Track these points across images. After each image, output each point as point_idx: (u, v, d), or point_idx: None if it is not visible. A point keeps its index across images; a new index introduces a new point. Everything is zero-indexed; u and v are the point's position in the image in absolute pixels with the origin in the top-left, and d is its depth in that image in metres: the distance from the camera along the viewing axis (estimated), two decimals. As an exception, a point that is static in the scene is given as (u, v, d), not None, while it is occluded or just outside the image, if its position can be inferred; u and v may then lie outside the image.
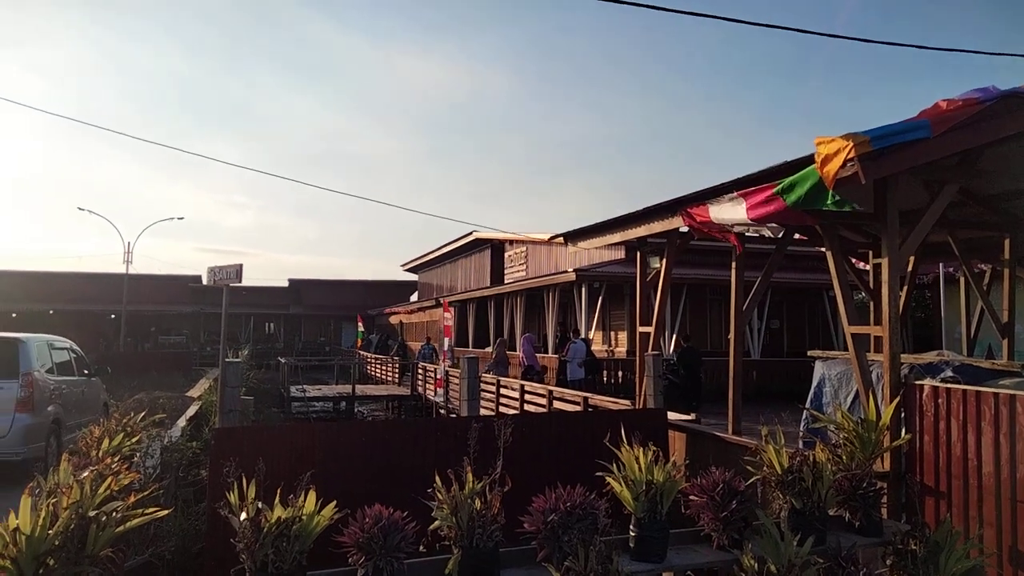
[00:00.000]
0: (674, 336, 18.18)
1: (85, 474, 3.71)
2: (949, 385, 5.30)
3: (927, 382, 5.55)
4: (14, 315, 43.18)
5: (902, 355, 6.06)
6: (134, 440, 5.31)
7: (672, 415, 8.67)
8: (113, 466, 4.15)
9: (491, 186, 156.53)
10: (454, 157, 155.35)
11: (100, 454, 4.68)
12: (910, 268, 9.01)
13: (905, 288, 8.85)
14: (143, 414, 6.19)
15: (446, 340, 17.36)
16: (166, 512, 3.75)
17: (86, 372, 11.44)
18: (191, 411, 14.09)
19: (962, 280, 10.22)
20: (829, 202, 5.16)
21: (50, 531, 3.00)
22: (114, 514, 3.29)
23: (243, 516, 3.27)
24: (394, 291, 54.99)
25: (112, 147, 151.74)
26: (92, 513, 3.21)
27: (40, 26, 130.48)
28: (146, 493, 4.03)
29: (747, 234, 7.14)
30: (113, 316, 45.68)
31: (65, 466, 4.02)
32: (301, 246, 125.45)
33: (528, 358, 16.11)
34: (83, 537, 3.11)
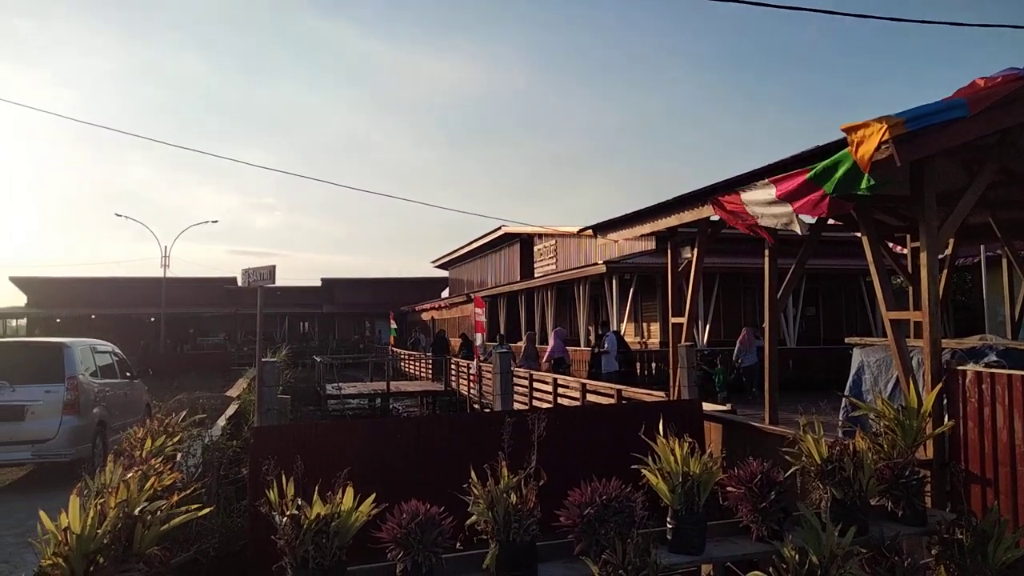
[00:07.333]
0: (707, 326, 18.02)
1: (130, 474, 3.80)
2: (993, 370, 5.17)
3: (970, 367, 5.41)
4: (58, 320, 44.45)
5: (943, 340, 5.92)
6: (175, 440, 5.43)
7: (707, 406, 8.59)
8: (156, 466, 4.25)
9: (518, 182, 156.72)
10: (480, 154, 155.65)
11: (144, 454, 4.79)
12: (949, 251, 8.79)
13: (945, 271, 8.64)
14: (184, 414, 6.31)
15: (479, 336, 17.43)
16: (208, 510, 3.82)
17: (128, 374, 11.71)
18: (230, 410, 14.31)
19: (1005, 262, 9.94)
20: (864, 186, 5.04)
21: (99, 530, 3.08)
22: (159, 512, 3.36)
23: (283, 513, 3.32)
24: (425, 287, 55.30)
25: (143, 154, 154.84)
26: (138, 512, 3.30)
27: (68, 40, 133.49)
28: (188, 492, 4.11)
29: (778, 229, 6.92)
30: (152, 319, 46.74)
31: (111, 467, 4.13)
32: (331, 245, 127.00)
33: (559, 351, 16.10)
34: (130, 535, 3.19)
